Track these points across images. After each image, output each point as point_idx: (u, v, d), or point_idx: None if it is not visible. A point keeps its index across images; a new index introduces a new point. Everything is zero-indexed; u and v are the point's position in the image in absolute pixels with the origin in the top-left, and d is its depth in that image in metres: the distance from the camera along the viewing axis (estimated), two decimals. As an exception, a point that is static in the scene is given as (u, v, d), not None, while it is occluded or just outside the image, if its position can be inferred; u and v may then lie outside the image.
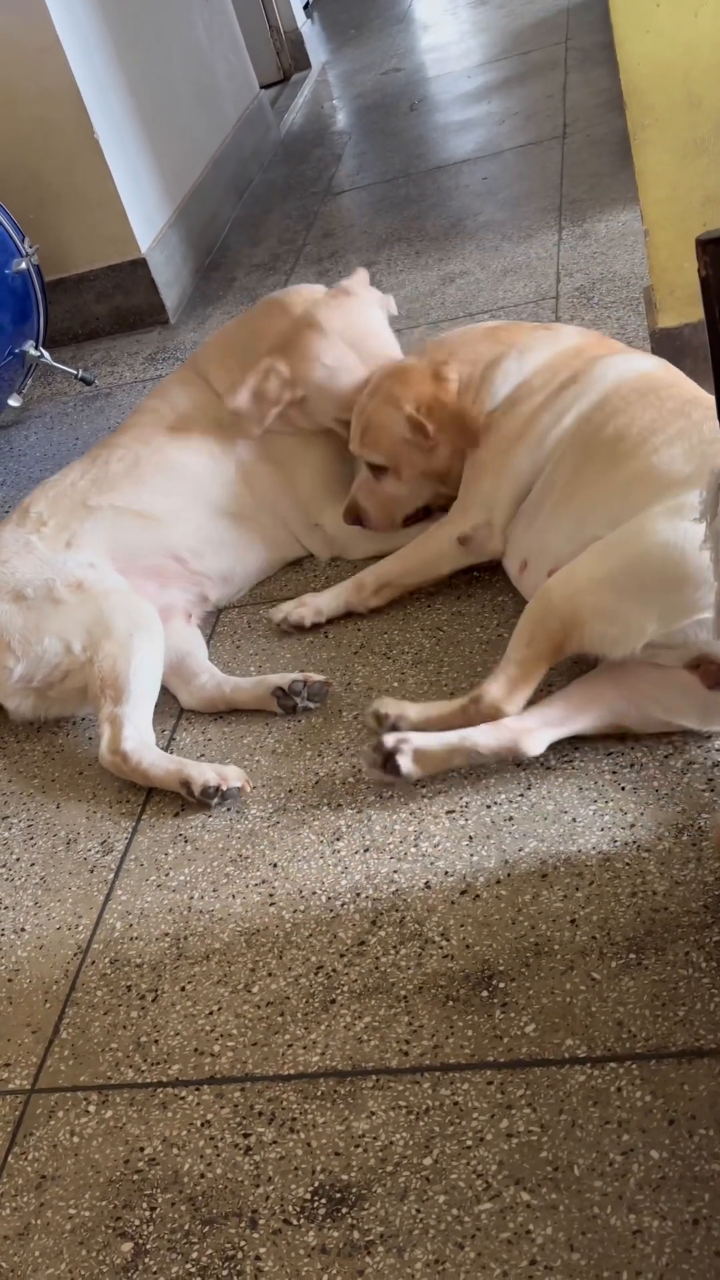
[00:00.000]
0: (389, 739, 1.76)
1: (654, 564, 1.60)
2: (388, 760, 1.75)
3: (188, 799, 1.91)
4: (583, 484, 1.87)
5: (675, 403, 1.83)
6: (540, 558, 1.93)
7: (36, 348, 3.28)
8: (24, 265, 3.16)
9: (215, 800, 1.89)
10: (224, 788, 1.89)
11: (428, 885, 1.66)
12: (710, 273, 1.19)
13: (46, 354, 3.30)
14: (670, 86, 2.10)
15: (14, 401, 3.31)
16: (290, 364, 2.25)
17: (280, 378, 2.25)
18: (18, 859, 1.94)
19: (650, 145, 2.17)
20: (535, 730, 1.73)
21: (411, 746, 1.76)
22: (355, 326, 2.28)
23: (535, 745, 1.73)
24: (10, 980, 1.73)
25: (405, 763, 1.75)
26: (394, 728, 1.81)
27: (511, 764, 1.77)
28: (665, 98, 2.11)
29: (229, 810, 1.89)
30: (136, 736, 1.97)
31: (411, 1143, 1.36)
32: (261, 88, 5.10)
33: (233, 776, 1.90)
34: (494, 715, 1.74)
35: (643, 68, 2.09)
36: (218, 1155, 1.42)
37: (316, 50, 6.08)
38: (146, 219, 3.74)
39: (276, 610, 2.22)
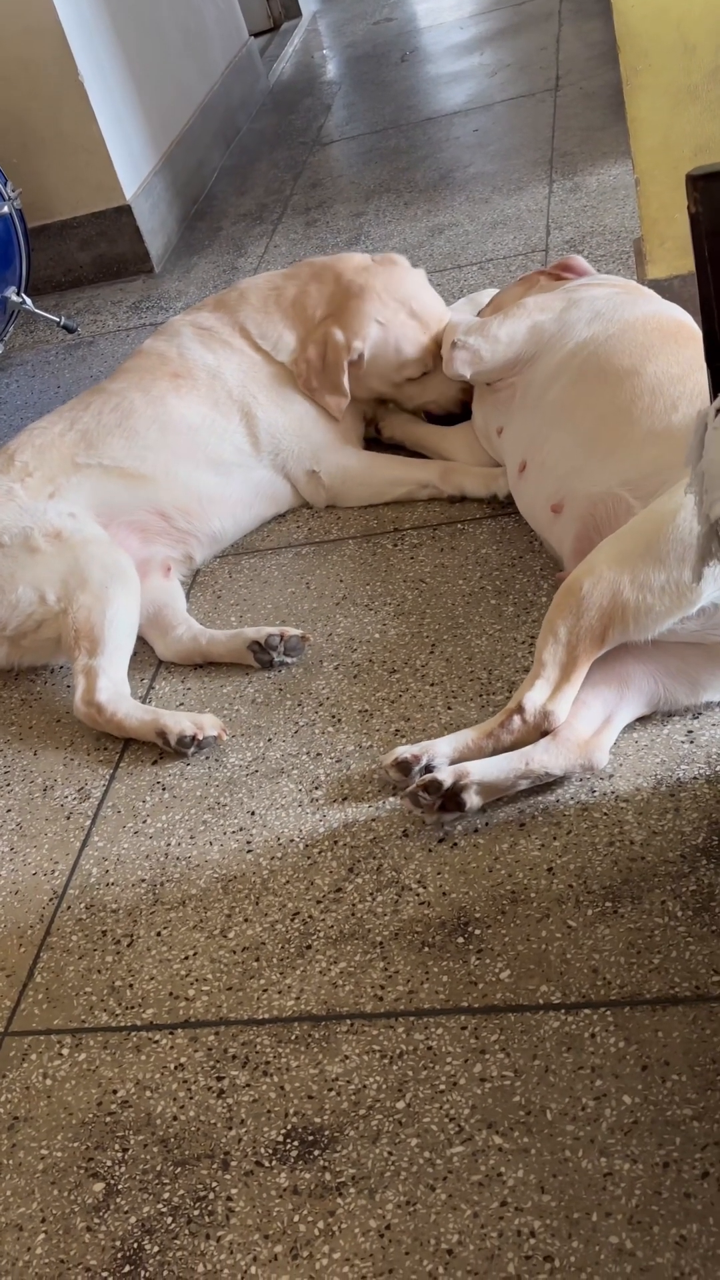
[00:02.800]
0: (445, 775, 1.60)
1: (693, 525, 1.55)
2: (449, 799, 1.60)
3: (164, 749, 1.90)
4: (582, 401, 1.88)
5: (695, 353, 1.83)
6: (540, 473, 1.93)
7: (19, 294, 3.24)
8: (6, 209, 3.11)
9: (192, 750, 1.88)
10: (200, 737, 1.87)
11: (405, 834, 1.65)
12: (700, 209, 1.17)
13: (29, 300, 3.25)
14: (664, 31, 2.06)
15: (-5, 349, 3.26)
16: (344, 326, 2.28)
17: (336, 342, 2.27)
18: (-6, 805, 1.93)
19: (643, 92, 2.13)
20: (593, 738, 1.63)
21: (475, 780, 1.60)
22: (403, 287, 2.33)
23: (603, 756, 1.63)
24: (-15, 925, 1.72)
25: (472, 798, 1.60)
26: (428, 769, 1.65)
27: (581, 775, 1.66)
28: (659, 43, 2.08)
29: (207, 759, 1.88)
30: (111, 688, 1.96)
31: (385, 1086, 1.36)
32: (251, 35, 5.02)
33: (209, 725, 1.88)
34: (543, 723, 1.62)
35: (637, 11, 2.05)
36: (191, 1098, 1.42)
37: (307, -1, 5.98)
38: (132, 166, 3.68)
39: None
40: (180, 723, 1.89)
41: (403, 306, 2.30)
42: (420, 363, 2.30)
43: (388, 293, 2.30)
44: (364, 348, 2.28)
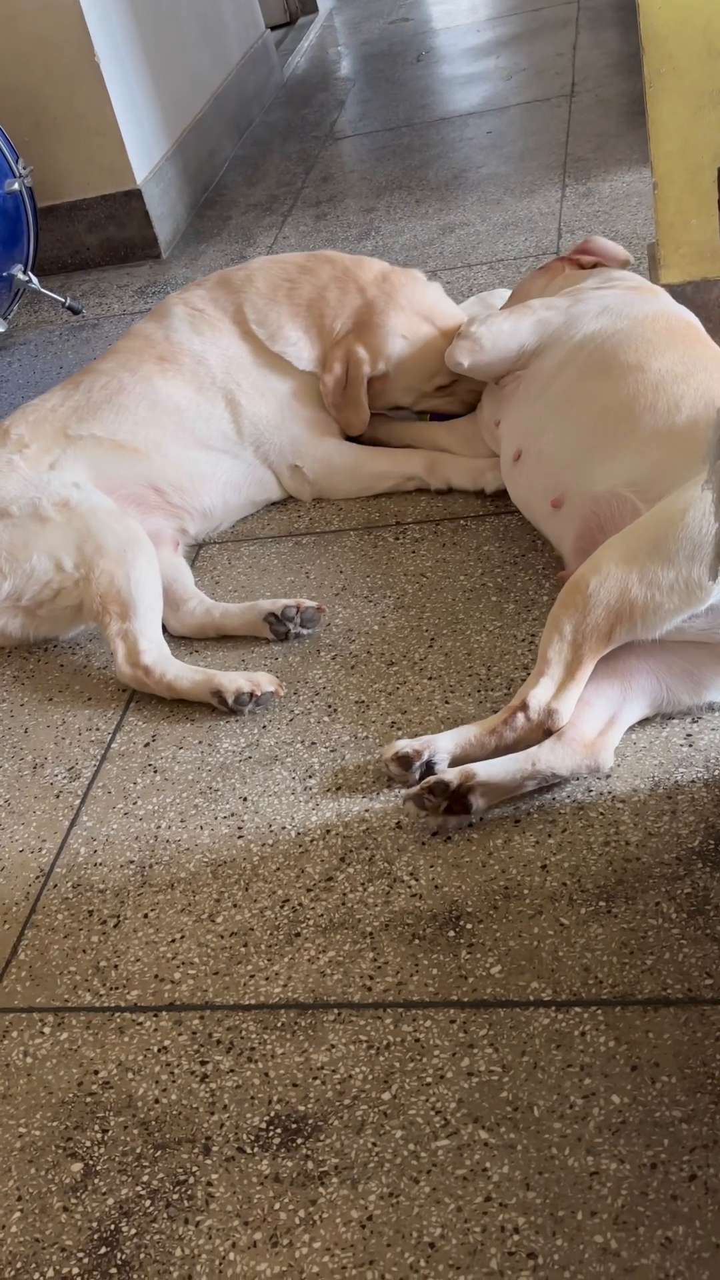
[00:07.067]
0: (451, 776, 1.56)
1: (704, 524, 1.51)
2: (455, 801, 1.57)
3: (218, 708, 1.89)
4: (585, 394, 1.88)
5: (700, 353, 1.83)
6: (537, 462, 1.93)
7: (25, 272, 3.21)
8: (17, 186, 3.09)
9: (250, 707, 1.87)
10: (258, 693, 1.86)
11: (399, 825, 1.64)
12: (732, 203, 1.16)
13: (35, 279, 3.23)
14: (690, 34, 2.06)
15: (-1, 326, 3.24)
16: (367, 342, 2.28)
17: (359, 358, 2.27)
18: (-18, 781, 1.91)
19: (666, 95, 2.13)
20: (599, 739, 1.61)
21: (481, 781, 1.56)
22: (425, 299, 2.33)
23: (609, 757, 1.60)
24: (-31, 900, 1.70)
25: (478, 801, 1.57)
26: (429, 765, 1.63)
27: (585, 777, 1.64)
28: (685, 46, 2.07)
29: (200, 743, 1.87)
30: (154, 650, 1.96)
31: (371, 1077, 1.35)
32: (267, 28, 5.00)
33: (265, 682, 1.88)
34: (547, 721, 1.59)
35: (664, 13, 2.05)
36: (173, 1081, 1.40)
37: (324, -5, 5.97)
38: (144, 150, 3.66)
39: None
40: (236, 680, 1.88)
41: (426, 319, 2.29)
42: (449, 371, 2.29)
43: (411, 306, 2.29)
44: (389, 364, 2.28)
